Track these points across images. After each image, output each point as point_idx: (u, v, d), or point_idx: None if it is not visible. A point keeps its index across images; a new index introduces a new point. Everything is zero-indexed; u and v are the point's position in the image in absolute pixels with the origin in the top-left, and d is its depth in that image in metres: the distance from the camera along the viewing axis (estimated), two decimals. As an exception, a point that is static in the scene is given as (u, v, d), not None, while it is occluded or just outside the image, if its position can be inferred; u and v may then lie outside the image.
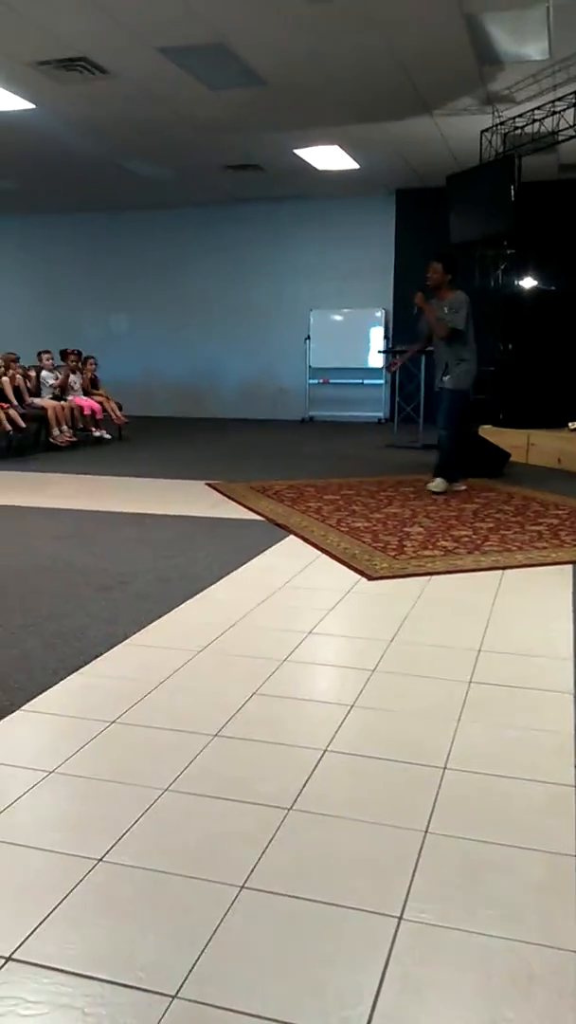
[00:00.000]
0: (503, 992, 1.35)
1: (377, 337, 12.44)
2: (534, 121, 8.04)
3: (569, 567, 4.03)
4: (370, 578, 3.84)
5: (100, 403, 9.90)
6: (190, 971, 1.39)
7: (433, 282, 6.03)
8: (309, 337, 12.67)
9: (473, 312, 6.05)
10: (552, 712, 2.43)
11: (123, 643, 2.98)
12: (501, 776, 2.05)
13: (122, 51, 6.62)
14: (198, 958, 1.42)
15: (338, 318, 12.64)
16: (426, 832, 1.80)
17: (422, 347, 6.69)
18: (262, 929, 1.50)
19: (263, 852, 1.72)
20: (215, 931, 1.49)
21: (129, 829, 1.80)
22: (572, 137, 7.92)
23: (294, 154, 9.85)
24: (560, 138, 8.02)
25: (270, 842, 1.76)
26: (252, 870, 1.66)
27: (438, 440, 6.33)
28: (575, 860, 1.69)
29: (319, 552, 4.33)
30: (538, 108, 7.90)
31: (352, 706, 2.45)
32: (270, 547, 4.45)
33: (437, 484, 6.08)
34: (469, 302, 6.01)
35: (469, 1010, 1.32)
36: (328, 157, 10.00)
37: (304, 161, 10.15)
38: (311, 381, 12.78)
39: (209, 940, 1.46)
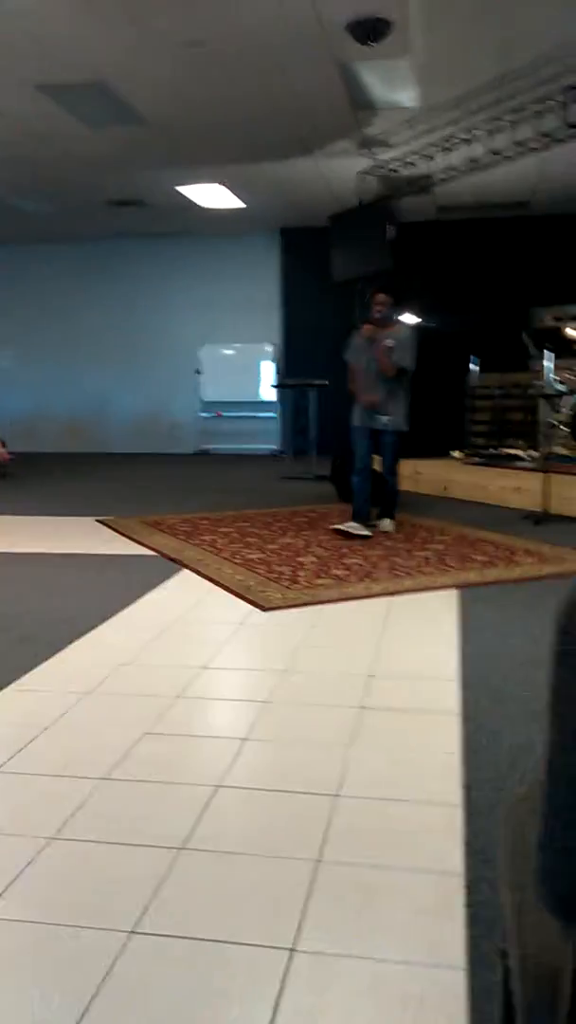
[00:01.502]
0: (395, 1016, 1.36)
1: (268, 371, 12.60)
2: (407, 161, 8.40)
3: (455, 591, 4.16)
4: (264, 609, 3.85)
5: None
6: (79, 1022, 1.34)
7: (384, 315, 5.80)
8: (200, 371, 12.71)
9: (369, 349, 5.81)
10: (440, 734, 2.49)
11: (6, 689, 2.87)
12: (392, 800, 2.08)
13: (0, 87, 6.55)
14: (86, 1010, 1.37)
15: (228, 352, 12.74)
16: (319, 861, 1.80)
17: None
18: (153, 973, 1.46)
19: (154, 894, 1.68)
20: (104, 980, 1.44)
21: (12, 882, 1.73)
22: (444, 180, 8.32)
23: (177, 191, 9.94)
24: (433, 181, 8.40)
25: (161, 884, 1.72)
26: (143, 914, 1.62)
27: (386, 484, 5.97)
28: (463, 880, 1.73)
29: (213, 585, 4.32)
30: (412, 152, 8.26)
31: (245, 739, 2.44)
32: (163, 582, 4.41)
33: (391, 525, 5.85)
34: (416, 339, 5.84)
35: (361, 1037, 1.32)
36: (212, 195, 10.14)
37: (188, 199, 10.26)
38: (203, 415, 12.80)
39: (98, 990, 1.41)
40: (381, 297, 5.84)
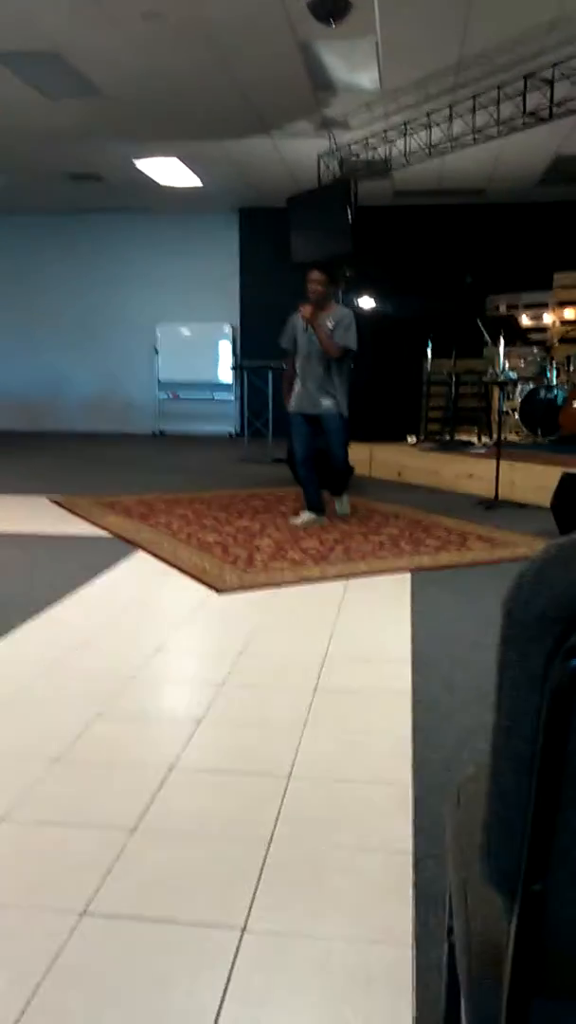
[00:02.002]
0: (344, 994, 1.38)
1: (226, 351, 12.52)
2: (367, 144, 8.38)
3: (408, 574, 4.21)
4: (220, 591, 3.85)
5: None
6: (25, 1007, 1.33)
7: (317, 294, 5.38)
8: (156, 350, 12.58)
9: None
10: (392, 714, 2.52)
11: (-43, 670, 2.83)
12: (343, 781, 2.10)
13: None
14: (34, 992, 1.37)
15: (186, 332, 12.63)
16: (270, 841, 1.82)
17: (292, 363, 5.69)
18: (102, 955, 1.46)
19: (104, 876, 1.68)
20: (52, 962, 1.44)
21: (-39, 866, 1.71)
22: (403, 165, 8.32)
23: (136, 168, 9.79)
24: (391, 165, 8.40)
25: (112, 866, 1.72)
26: (93, 896, 1.62)
27: (334, 468, 5.76)
28: (412, 858, 1.76)
29: (169, 567, 4.30)
30: (372, 135, 8.25)
31: (200, 721, 2.45)
32: (117, 563, 4.37)
33: (347, 503, 5.84)
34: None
35: (311, 1015, 1.35)
36: (170, 172, 10.01)
37: (146, 176, 10.11)
38: (160, 395, 12.68)
39: (46, 972, 1.41)
40: (316, 275, 5.42)
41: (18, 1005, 1.34)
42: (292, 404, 5.60)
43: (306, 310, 5.39)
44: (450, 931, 1.01)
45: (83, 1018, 1.32)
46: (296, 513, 5.70)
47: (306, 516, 5.52)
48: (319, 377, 5.45)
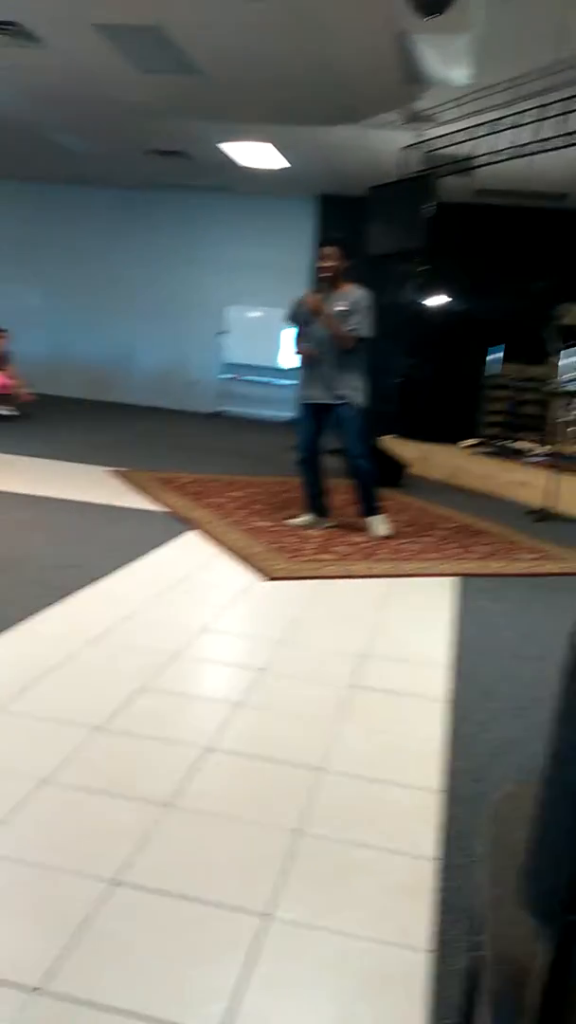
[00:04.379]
0: (359, 991, 1.41)
1: (289, 338, 12.52)
2: (453, 143, 8.27)
3: (454, 579, 4.20)
4: (266, 578, 3.89)
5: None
6: (55, 964, 1.40)
7: (332, 271, 4.85)
8: (224, 331, 12.64)
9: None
10: (427, 719, 2.54)
11: (10, 629, 2.93)
12: (373, 780, 2.13)
13: (56, 21, 6.46)
14: (62, 952, 1.43)
15: (253, 315, 12.66)
16: (299, 832, 1.86)
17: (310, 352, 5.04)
18: (130, 925, 1.52)
19: (137, 848, 1.74)
20: (81, 926, 1.50)
21: (1, 821, 1.79)
22: (487, 164, 8.21)
23: (219, 147, 9.82)
24: (476, 163, 8.29)
25: (145, 838, 1.78)
26: (125, 866, 1.68)
27: (354, 471, 5.09)
28: (435, 865, 1.79)
29: (219, 548, 4.36)
30: (458, 131, 8.14)
31: (238, 705, 2.49)
32: (169, 540, 4.45)
33: (380, 526, 5.00)
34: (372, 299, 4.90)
35: (323, 1007, 1.38)
36: (256, 154, 10.01)
37: (229, 156, 10.14)
38: (223, 376, 12.76)
39: (75, 935, 1.47)
40: (327, 250, 4.89)
41: (46, 965, 1.40)
42: (303, 392, 5.14)
43: (312, 300, 4.89)
44: (475, 946, 1.04)
45: (109, 983, 1.37)
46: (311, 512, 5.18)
47: (306, 518, 5.12)
48: (331, 362, 4.90)
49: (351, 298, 4.84)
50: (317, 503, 5.16)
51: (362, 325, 4.83)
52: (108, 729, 2.25)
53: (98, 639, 2.93)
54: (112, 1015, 1.31)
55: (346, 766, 2.19)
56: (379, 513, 5.07)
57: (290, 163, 10.30)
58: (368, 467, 5.09)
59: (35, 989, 1.34)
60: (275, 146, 9.68)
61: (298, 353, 5.17)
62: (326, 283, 4.90)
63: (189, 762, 2.12)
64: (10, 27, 6.66)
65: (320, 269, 4.94)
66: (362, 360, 4.98)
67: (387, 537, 4.95)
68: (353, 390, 4.94)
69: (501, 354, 9.53)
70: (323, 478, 5.20)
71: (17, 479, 5.83)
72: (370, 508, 5.06)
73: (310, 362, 5.03)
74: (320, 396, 5.00)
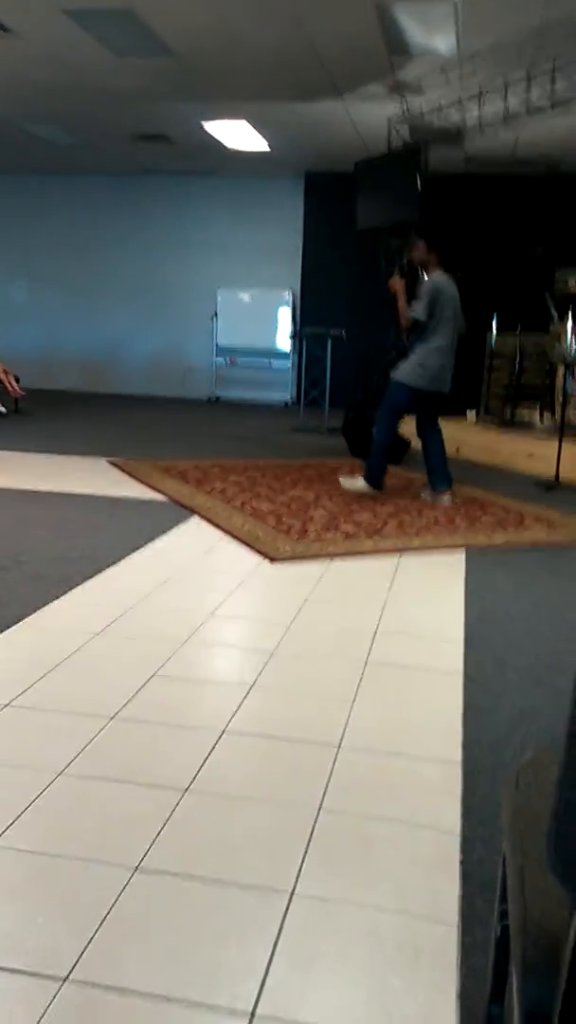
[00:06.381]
0: (390, 963, 1.41)
1: (285, 318, 12.44)
2: (440, 110, 8.17)
3: (462, 551, 4.17)
4: (273, 560, 3.87)
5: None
6: (81, 954, 1.39)
7: (415, 261, 5.61)
8: (216, 315, 12.57)
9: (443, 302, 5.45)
10: (443, 691, 2.52)
11: (17, 625, 2.91)
12: (392, 755, 2.12)
13: (27, 9, 6.36)
14: (89, 941, 1.42)
15: (246, 297, 12.57)
16: (320, 810, 1.85)
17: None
18: (155, 910, 1.51)
19: (158, 834, 1.73)
20: (107, 913, 1.49)
21: (21, 814, 1.78)
22: (476, 132, 8.11)
23: (204, 129, 9.71)
24: (464, 133, 8.19)
25: (165, 824, 1.77)
26: (146, 852, 1.67)
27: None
28: (459, 838, 1.77)
29: (223, 533, 4.34)
30: (445, 101, 8.03)
31: (251, 687, 2.48)
32: (173, 527, 4.43)
33: (354, 483, 5.53)
34: (439, 290, 5.40)
35: (356, 980, 1.38)
36: (238, 135, 9.90)
37: (214, 138, 10.03)
38: (218, 360, 12.69)
39: (101, 923, 1.47)
40: (413, 243, 5.69)
41: (74, 954, 1.39)
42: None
43: (391, 283, 5.63)
44: (503, 915, 1.02)
45: (137, 969, 1.37)
46: (352, 473, 5.72)
47: (360, 483, 5.49)
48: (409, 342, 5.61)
49: (423, 286, 5.50)
50: (379, 482, 5.54)
51: (415, 309, 5.40)
52: (122, 717, 2.24)
53: (107, 629, 2.92)
54: (141, 999, 1.30)
55: (363, 742, 2.17)
56: (364, 481, 5.50)
57: (275, 141, 10.18)
58: (376, 437, 5.58)
59: (63, 978, 1.33)
60: (257, 124, 9.57)
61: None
62: (413, 271, 5.66)
63: (206, 746, 2.10)
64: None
65: (409, 260, 5.73)
66: (419, 344, 5.47)
67: (358, 496, 5.43)
68: (402, 366, 5.52)
69: (497, 324, 9.45)
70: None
71: (14, 474, 5.81)
72: (367, 471, 5.53)
73: None
74: None
